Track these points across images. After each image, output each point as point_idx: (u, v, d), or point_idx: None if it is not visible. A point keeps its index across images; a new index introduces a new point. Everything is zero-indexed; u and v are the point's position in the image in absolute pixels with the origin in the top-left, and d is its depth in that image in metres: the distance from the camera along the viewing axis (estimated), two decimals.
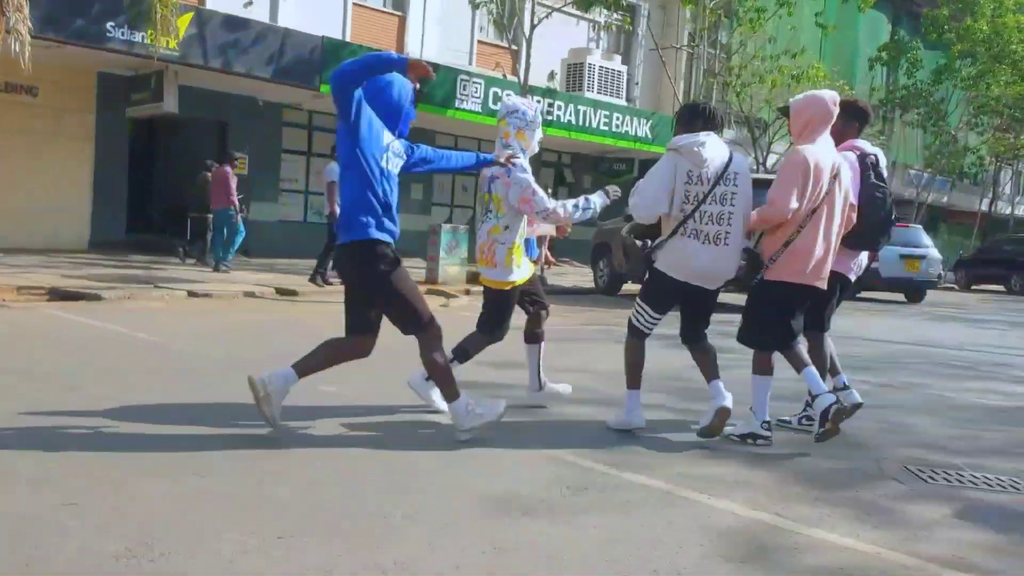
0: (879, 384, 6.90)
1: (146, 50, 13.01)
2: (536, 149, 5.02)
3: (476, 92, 17.72)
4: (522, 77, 17.05)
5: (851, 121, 4.96)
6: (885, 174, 4.95)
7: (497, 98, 17.34)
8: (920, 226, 19.13)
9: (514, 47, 17.67)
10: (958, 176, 32.55)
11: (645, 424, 4.77)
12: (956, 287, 26.84)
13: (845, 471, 4.30)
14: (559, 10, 17.95)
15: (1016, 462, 4.66)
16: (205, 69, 14.04)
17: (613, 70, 21.92)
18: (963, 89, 25.92)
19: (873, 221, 4.84)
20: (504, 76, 18.29)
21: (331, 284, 12.27)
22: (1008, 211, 38.98)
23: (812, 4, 22.88)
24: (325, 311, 9.61)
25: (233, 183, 13.54)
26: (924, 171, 27.80)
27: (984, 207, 32.01)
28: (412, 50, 18.31)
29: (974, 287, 26.54)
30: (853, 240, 4.88)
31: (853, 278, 5.14)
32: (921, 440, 5.09)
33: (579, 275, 17.36)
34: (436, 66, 17.13)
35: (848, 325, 11.46)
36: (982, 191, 31.61)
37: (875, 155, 4.92)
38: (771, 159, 23.11)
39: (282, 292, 11.15)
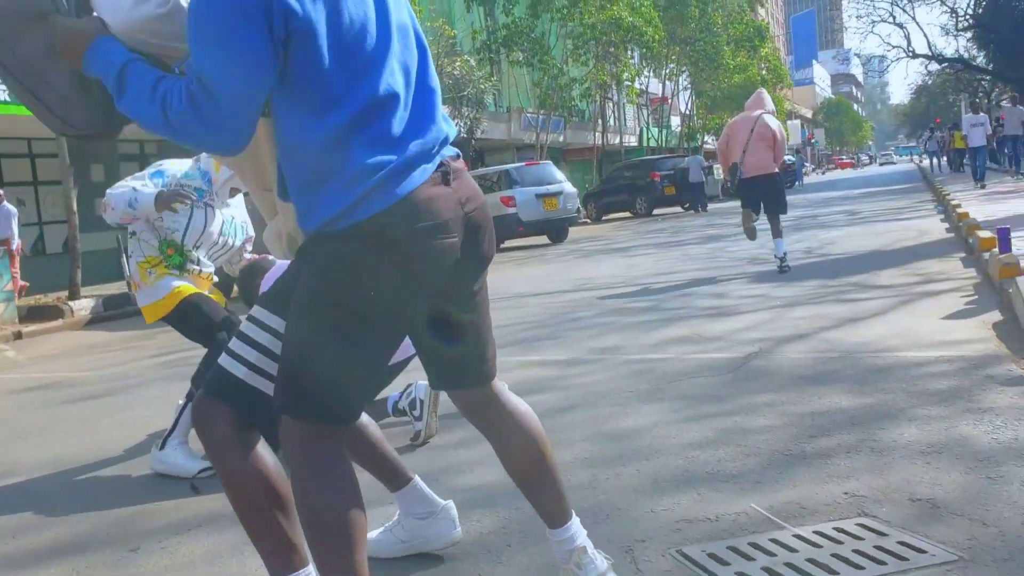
0: (566, 361, 4.82)
1: None
2: None
3: None
4: None
5: None
6: None
7: None
8: (549, 161, 18.06)
9: None
10: (569, 113, 32.77)
11: None
12: (588, 220, 26.83)
13: None
14: None
15: (832, 474, 2.65)
16: None
17: None
18: (558, 21, 25.58)
19: None
20: None
21: None
22: (617, 142, 40.81)
23: None
24: None
25: None
26: (539, 113, 27.36)
27: (597, 141, 32.72)
28: None
29: (605, 218, 26.67)
30: None
31: None
32: (673, 464, 2.94)
33: None
34: None
35: (497, 283, 9.63)
36: (592, 126, 32.24)
37: None
38: None
39: None
